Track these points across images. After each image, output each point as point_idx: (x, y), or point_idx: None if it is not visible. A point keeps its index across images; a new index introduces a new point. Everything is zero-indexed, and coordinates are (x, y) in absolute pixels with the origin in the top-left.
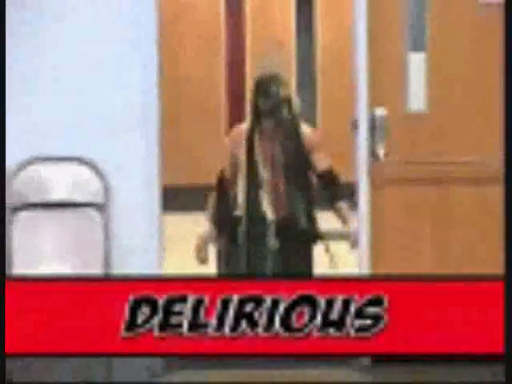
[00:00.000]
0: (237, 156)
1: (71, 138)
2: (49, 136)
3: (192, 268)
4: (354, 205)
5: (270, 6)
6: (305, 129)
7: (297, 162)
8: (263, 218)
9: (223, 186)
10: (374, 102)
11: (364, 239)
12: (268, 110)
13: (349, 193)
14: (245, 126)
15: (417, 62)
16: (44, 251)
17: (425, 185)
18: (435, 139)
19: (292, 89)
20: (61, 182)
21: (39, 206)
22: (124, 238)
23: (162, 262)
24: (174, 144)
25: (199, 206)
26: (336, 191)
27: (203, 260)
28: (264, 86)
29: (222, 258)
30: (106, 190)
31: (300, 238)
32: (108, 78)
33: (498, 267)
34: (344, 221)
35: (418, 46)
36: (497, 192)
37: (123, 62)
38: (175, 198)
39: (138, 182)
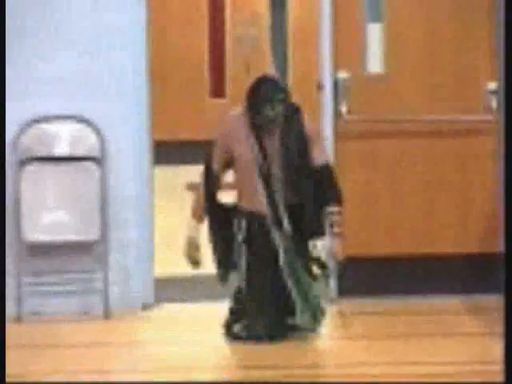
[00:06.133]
0: (232, 149)
1: (73, 99)
2: (52, 98)
3: (177, 213)
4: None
5: None
6: (305, 119)
7: (301, 155)
8: (277, 212)
9: (211, 173)
10: (337, 66)
11: None
12: (272, 119)
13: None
14: (236, 114)
15: (374, 31)
16: (48, 201)
17: (381, 138)
18: (391, 98)
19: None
20: (63, 139)
21: (44, 160)
22: (119, 187)
23: (152, 208)
24: (162, 105)
25: (182, 160)
26: (329, 189)
27: (200, 220)
28: (266, 95)
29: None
30: (103, 145)
31: (308, 230)
32: (106, 47)
33: (444, 208)
34: (335, 224)
35: (375, 18)
36: (444, 145)
37: (119, 33)
38: (162, 152)
39: (131, 138)
